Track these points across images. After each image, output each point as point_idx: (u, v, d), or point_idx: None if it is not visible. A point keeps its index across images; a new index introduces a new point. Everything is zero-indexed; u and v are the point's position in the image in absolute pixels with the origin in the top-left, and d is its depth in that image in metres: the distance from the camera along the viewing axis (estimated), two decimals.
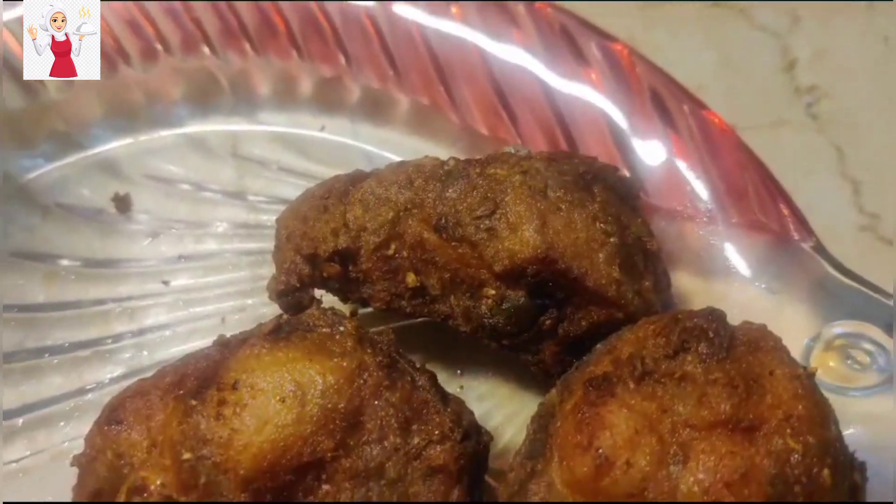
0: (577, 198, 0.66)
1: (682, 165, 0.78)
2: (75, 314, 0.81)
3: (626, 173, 0.77)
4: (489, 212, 0.65)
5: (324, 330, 0.65)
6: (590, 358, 0.65)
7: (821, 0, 1.03)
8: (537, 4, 0.87)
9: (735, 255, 0.75)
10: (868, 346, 0.70)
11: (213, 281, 0.82)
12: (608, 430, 0.58)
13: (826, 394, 0.60)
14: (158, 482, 0.60)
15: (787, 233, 0.74)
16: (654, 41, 0.98)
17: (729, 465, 0.55)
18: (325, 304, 0.66)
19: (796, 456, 0.55)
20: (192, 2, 0.91)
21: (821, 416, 0.57)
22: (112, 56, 0.91)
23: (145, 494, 0.60)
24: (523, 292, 0.65)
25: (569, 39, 0.85)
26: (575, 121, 0.82)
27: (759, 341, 0.60)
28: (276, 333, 0.65)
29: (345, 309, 0.68)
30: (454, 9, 0.88)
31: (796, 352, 0.65)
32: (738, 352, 0.60)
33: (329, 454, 0.60)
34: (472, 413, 0.65)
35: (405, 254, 0.67)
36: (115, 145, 0.90)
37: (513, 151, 0.71)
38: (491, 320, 0.66)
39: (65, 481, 0.63)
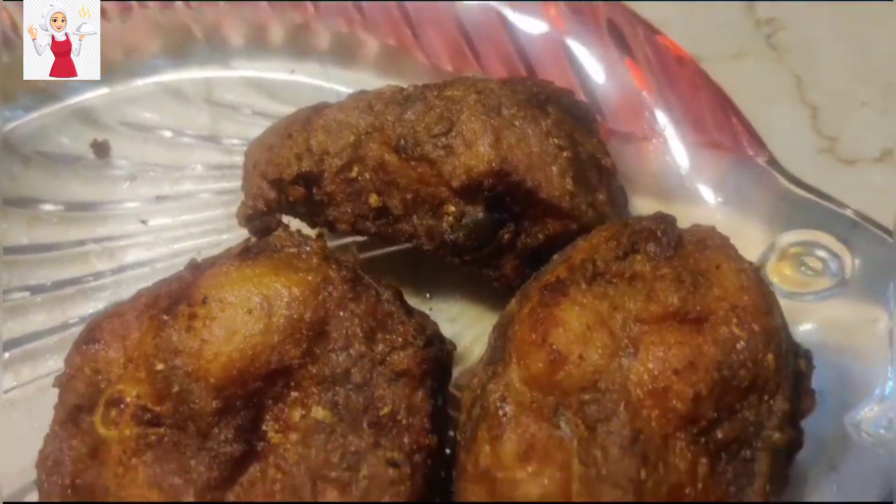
0: (530, 115, 0.68)
1: (638, 91, 0.80)
2: (57, 255, 0.84)
3: (584, 99, 0.79)
4: (446, 130, 0.67)
5: (290, 250, 0.68)
6: (547, 268, 0.68)
7: None
8: None
9: (692, 174, 0.77)
10: (822, 253, 0.72)
11: (190, 219, 0.85)
12: (561, 327, 0.60)
13: (781, 300, 0.62)
14: (134, 393, 0.63)
15: (743, 150, 0.76)
16: None
17: (678, 354, 0.58)
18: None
19: (741, 343, 0.58)
20: None
21: (765, 306, 0.59)
22: None
23: (122, 406, 0.63)
24: (481, 207, 0.68)
25: None
26: (536, 54, 0.84)
27: (707, 240, 0.63)
28: (244, 254, 0.67)
29: (312, 234, 0.70)
30: None
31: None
32: (686, 250, 0.62)
33: (296, 362, 0.62)
34: (435, 324, 0.67)
35: (367, 176, 0.70)
36: (91, 95, 0.92)
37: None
38: (452, 236, 0.69)
39: (51, 412, 0.66)
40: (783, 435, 0.57)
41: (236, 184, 0.85)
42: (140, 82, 0.94)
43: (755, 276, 0.60)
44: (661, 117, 0.79)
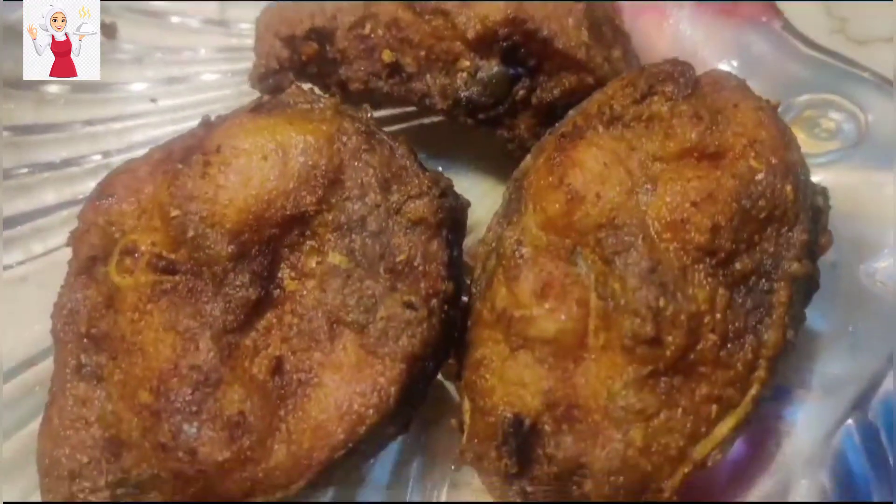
0: None
1: None
2: (66, 135, 0.83)
3: None
4: None
5: (304, 106, 0.67)
6: (562, 122, 0.67)
7: None
8: None
9: (706, 40, 0.76)
10: (836, 115, 0.72)
11: (199, 99, 0.84)
12: (578, 167, 0.60)
13: None
14: (149, 242, 0.63)
15: (757, 16, 0.75)
16: None
17: (696, 187, 0.58)
18: None
19: (760, 175, 0.57)
20: None
21: (783, 141, 0.59)
22: None
23: (136, 255, 0.63)
24: (496, 61, 0.67)
25: None
26: None
27: (723, 81, 0.62)
28: (258, 109, 0.67)
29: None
30: None
31: None
32: (703, 91, 0.62)
33: (312, 209, 0.62)
34: (449, 179, 0.67)
35: (380, 32, 0.69)
36: None
37: None
38: (466, 93, 0.68)
39: None
40: (802, 266, 0.57)
41: (246, 65, 0.84)
42: None
43: (773, 113, 0.60)
44: None
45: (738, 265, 0.57)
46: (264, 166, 0.62)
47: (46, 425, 0.62)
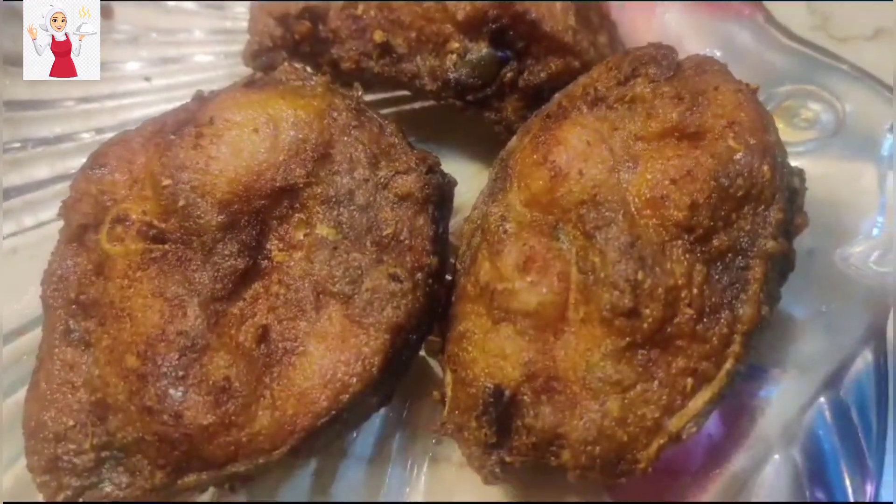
0: None
1: None
2: (60, 112, 0.84)
3: None
4: None
5: (296, 83, 0.69)
6: (548, 104, 0.69)
7: None
8: None
9: (689, 32, 0.78)
10: (815, 105, 0.74)
11: (192, 79, 0.85)
12: (562, 145, 0.62)
13: None
14: (140, 210, 0.64)
15: (740, 8, 0.77)
16: None
17: (676, 166, 0.59)
18: None
19: (738, 155, 0.59)
20: None
21: (762, 123, 0.60)
22: None
23: (127, 223, 0.64)
24: (485, 44, 0.69)
25: None
26: None
27: (705, 65, 0.64)
28: (250, 85, 0.68)
29: None
30: None
31: None
32: (686, 73, 0.63)
33: (301, 181, 0.63)
34: (437, 157, 0.68)
35: (372, 13, 0.71)
36: None
37: None
38: (455, 74, 0.70)
39: None
40: (777, 244, 0.58)
41: (239, 47, 0.86)
42: None
43: (752, 96, 0.61)
44: None
45: (715, 242, 0.58)
46: (255, 139, 0.63)
47: (33, 389, 0.63)
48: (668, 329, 0.57)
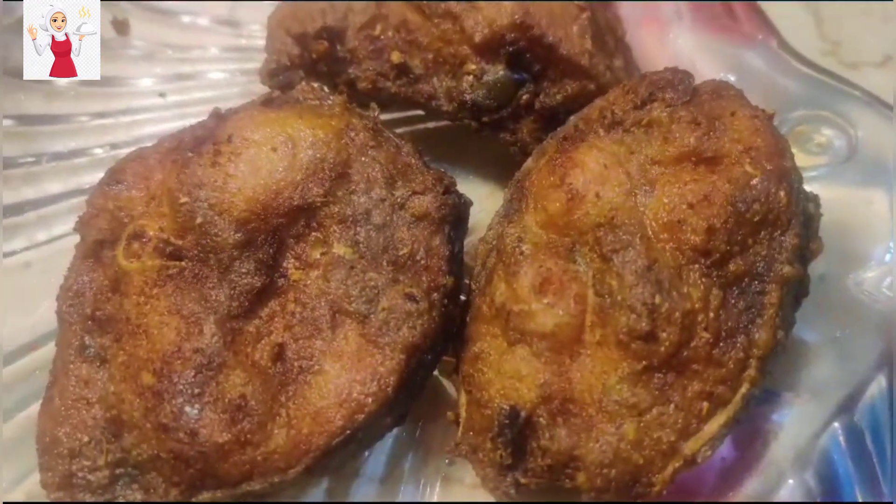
0: None
1: None
2: (75, 127, 0.84)
3: None
4: None
5: (313, 102, 0.69)
6: (564, 127, 0.69)
7: None
8: None
9: (703, 57, 0.79)
10: (828, 131, 0.75)
11: (207, 96, 0.86)
12: (579, 167, 0.62)
13: None
14: (157, 227, 0.64)
15: (753, 34, 0.78)
16: None
17: (693, 190, 0.60)
18: None
19: (755, 180, 0.59)
20: None
21: (778, 148, 0.61)
22: None
23: (144, 239, 0.64)
24: (502, 65, 0.69)
25: None
26: None
27: (721, 90, 0.64)
28: (268, 103, 0.69)
29: None
30: None
31: None
32: (702, 98, 0.64)
33: (318, 200, 0.64)
34: (452, 178, 0.68)
35: (390, 34, 0.71)
36: None
37: None
38: (472, 95, 0.70)
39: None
40: (793, 269, 0.59)
41: (254, 65, 0.86)
42: None
43: (768, 122, 0.62)
44: (672, 3, 0.81)
45: (731, 266, 0.59)
46: (274, 157, 0.64)
47: (47, 405, 0.63)
48: (685, 353, 0.57)
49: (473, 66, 0.69)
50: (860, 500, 0.60)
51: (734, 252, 0.59)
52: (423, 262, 0.64)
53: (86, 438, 0.61)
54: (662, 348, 0.57)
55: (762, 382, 0.58)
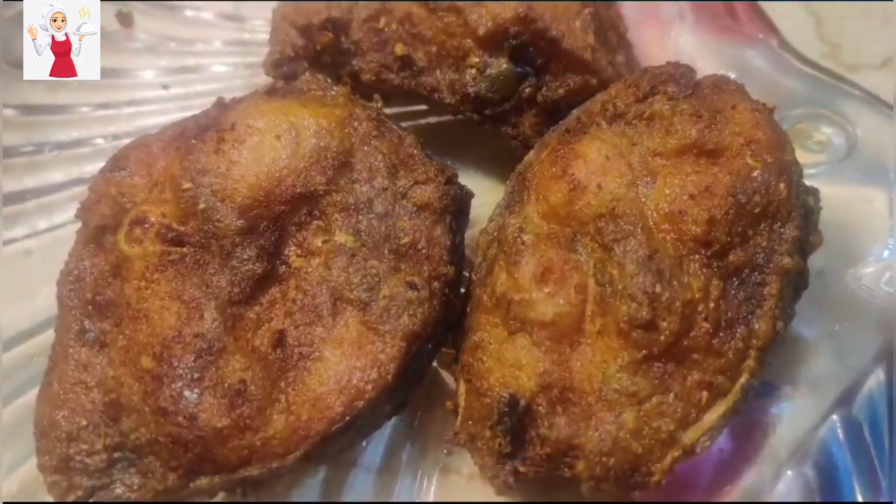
0: None
1: None
2: (77, 117, 0.85)
3: None
4: None
5: (317, 92, 0.69)
6: (566, 120, 0.70)
7: None
8: None
9: (704, 56, 0.79)
10: (827, 129, 0.75)
11: (210, 88, 0.86)
12: (581, 158, 0.62)
13: None
14: (159, 213, 0.64)
15: (754, 33, 0.78)
16: None
17: (694, 181, 0.60)
18: None
19: (756, 172, 0.60)
20: None
21: (779, 142, 0.61)
22: None
23: (146, 225, 0.64)
24: (505, 59, 0.70)
25: None
26: None
27: (722, 84, 0.65)
28: (272, 93, 0.69)
29: None
30: None
31: None
32: (704, 92, 0.64)
33: (321, 189, 0.64)
34: (454, 169, 0.69)
35: (394, 26, 0.72)
36: None
37: None
38: (475, 88, 0.71)
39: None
40: (793, 261, 0.59)
41: (257, 59, 0.87)
42: None
43: (769, 116, 0.62)
44: (674, 3, 0.81)
45: (731, 257, 0.59)
46: (277, 145, 0.64)
47: (46, 389, 0.62)
48: (685, 342, 0.57)
49: (476, 60, 0.70)
50: (858, 493, 0.60)
51: (735, 243, 0.59)
52: (424, 251, 0.64)
53: (84, 422, 0.61)
54: (662, 337, 0.57)
55: (761, 373, 0.59)
